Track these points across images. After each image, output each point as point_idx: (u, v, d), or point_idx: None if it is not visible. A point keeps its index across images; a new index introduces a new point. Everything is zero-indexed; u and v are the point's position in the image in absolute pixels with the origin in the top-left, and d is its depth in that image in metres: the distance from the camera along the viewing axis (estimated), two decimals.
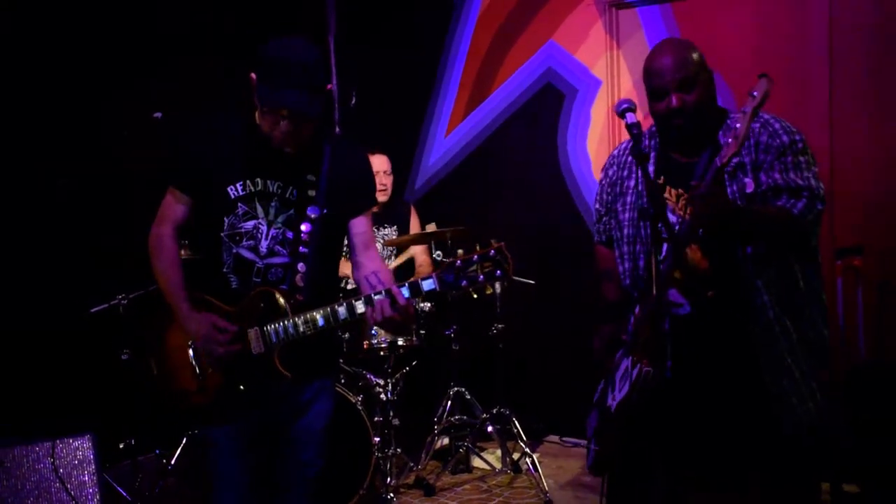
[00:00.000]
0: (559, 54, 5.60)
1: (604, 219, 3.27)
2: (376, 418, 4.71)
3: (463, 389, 5.17)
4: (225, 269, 2.87)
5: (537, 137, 5.76)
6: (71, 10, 4.83)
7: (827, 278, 4.50)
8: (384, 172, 5.36)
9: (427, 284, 2.68)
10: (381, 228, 5.37)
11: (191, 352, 2.89)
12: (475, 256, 2.68)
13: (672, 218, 2.91)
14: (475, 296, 2.78)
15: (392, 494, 4.64)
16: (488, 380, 5.29)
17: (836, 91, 4.70)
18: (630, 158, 3.14)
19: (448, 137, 6.13)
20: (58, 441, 4.27)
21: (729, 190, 2.83)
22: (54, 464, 4.26)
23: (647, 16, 5.29)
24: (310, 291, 2.83)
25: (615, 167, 3.21)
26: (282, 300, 2.79)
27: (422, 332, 4.83)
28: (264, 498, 3.00)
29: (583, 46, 5.51)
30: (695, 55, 2.91)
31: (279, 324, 2.77)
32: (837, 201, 4.71)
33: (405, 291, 2.69)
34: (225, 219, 2.85)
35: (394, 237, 5.36)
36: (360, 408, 4.49)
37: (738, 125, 2.66)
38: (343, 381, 4.66)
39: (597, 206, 3.31)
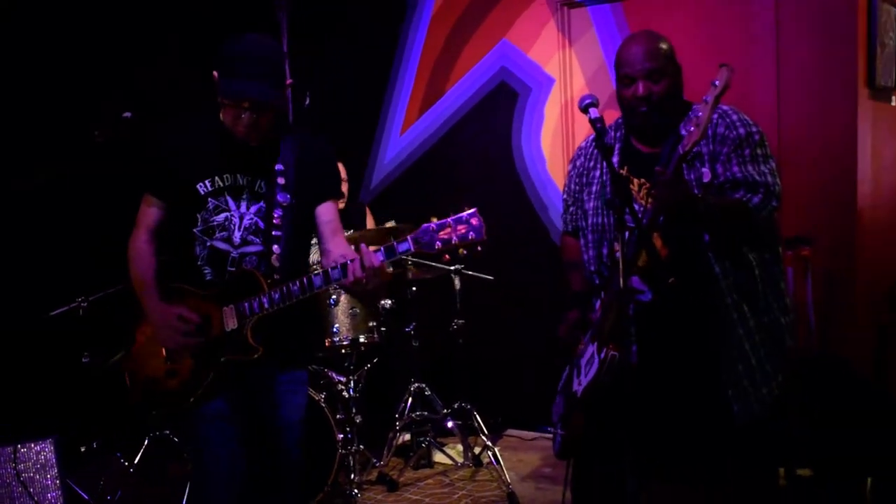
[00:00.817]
0: (513, 53, 5.67)
1: (570, 209, 3.35)
2: (339, 415, 4.74)
3: (423, 386, 5.21)
4: (199, 263, 2.98)
5: (492, 135, 5.83)
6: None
7: None
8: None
9: (402, 246, 2.73)
10: None
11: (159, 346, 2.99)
12: (450, 219, 2.74)
13: (635, 207, 2.92)
14: (447, 257, 2.85)
15: (356, 490, 4.67)
16: (449, 375, 5.35)
17: (783, 85, 4.82)
18: (592, 147, 3.26)
19: (403, 136, 6.17)
20: (20, 445, 4.25)
21: (686, 178, 2.91)
22: (16, 468, 4.23)
23: (597, 14, 5.37)
24: (285, 272, 2.95)
25: (582, 157, 3.29)
26: (260, 279, 2.90)
27: (382, 329, 4.88)
28: (245, 489, 3.04)
29: (536, 45, 5.59)
30: (665, 47, 3.02)
31: (255, 299, 2.88)
32: (785, 192, 4.81)
33: (380, 255, 2.75)
34: (197, 215, 2.96)
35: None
36: (323, 405, 4.52)
37: (700, 114, 2.74)
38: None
39: (564, 196, 3.40)
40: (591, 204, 3.19)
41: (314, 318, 4.56)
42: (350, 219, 5.41)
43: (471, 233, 2.74)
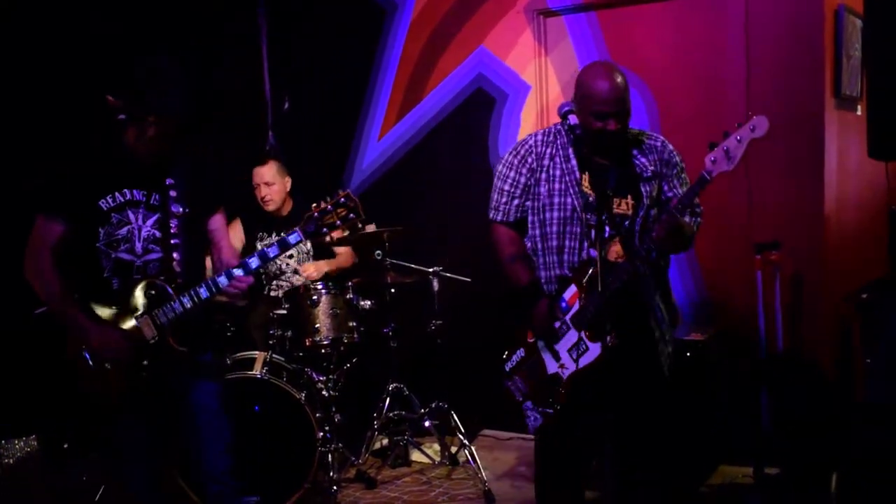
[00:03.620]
0: (490, 60, 5.78)
1: (515, 201, 3.54)
2: (318, 414, 4.82)
3: (402, 385, 5.30)
4: (106, 274, 3.19)
5: (469, 140, 5.92)
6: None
7: (746, 272, 4.82)
8: (265, 184, 5.39)
9: (293, 238, 3.17)
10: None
11: (86, 354, 3.15)
12: (329, 206, 3.17)
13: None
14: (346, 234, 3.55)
15: (335, 487, 4.75)
16: (427, 376, 5.43)
17: (753, 92, 4.95)
18: (549, 150, 3.49)
19: (381, 141, 6.26)
20: (3, 441, 4.30)
21: (644, 190, 3.40)
22: (1, 464, 4.28)
23: (573, 23, 5.49)
24: (186, 275, 3.22)
25: (533, 155, 3.49)
26: (165, 286, 3.16)
27: (362, 329, 4.96)
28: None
29: (513, 52, 5.69)
30: (625, 83, 3.33)
31: (167, 306, 3.13)
32: (756, 198, 4.98)
33: (275, 249, 3.20)
34: (100, 230, 3.16)
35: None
36: (303, 403, 4.59)
37: (656, 143, 3.48)
38: (285, 377, 4.75)
39: (505, 187, 3.55)
40: (556, 199, 3.43)
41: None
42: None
43: (350, 214, 3.20)
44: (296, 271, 5.42)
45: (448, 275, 5.22)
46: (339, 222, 3.16)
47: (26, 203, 3.19)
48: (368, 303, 5.04)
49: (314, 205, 3.20)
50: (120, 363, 3.10)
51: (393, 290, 5.27)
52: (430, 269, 5.17)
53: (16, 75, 4.76)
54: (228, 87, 6.48)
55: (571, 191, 3.37)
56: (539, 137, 3.53)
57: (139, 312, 3.13)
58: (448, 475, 5.12)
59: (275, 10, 6.41)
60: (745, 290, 4.84)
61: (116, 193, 3.16)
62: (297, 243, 3.19)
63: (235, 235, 5.44)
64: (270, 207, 5.36)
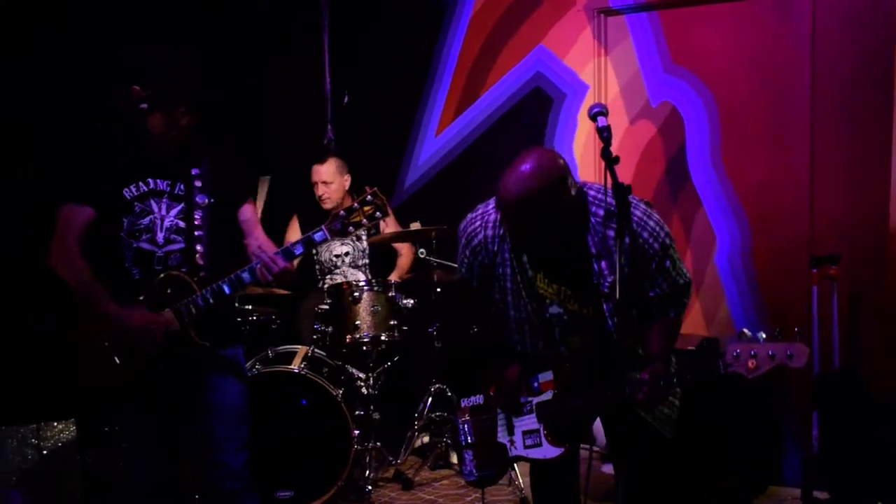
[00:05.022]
0: (548, 59, 5.67)
1: (474, 282, 3.16)
2: (357, 412, 4.79)
3: (444, 386, 5.24)
4: (127, 264, 3.15)
5: (525, 140, 5.81)
6: None
7: (802, 286, 4.63)
8: (322, 183, 5.37)
9: (318, 236, 3.12)
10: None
11: (107, 343, 3.11)
12: (355, 204, 3.12)
13: (554, 310, 3.01)
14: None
15: (370, 487, 4.71)
16: (469, 377, 5.34)
17: (818, 101, 4.78)
18: (501, 246, 3.03)
19: (438, 137, 6.20)
20: (42, 424, 4.36)
21: (605, 305, 2.92)
22: (38, 446, 4.34)
23: (634, 23, 5.36)
24: (210, 268, 3.17)
25: (485, 252, 3.07)
26: (187, 278, 3.12)
27: (404, 328, 4.91)
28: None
29: (571, 52, 5.58)
30: (543, 195, 2.76)
31: (189, 300, 3.10)
32: (817, 211, 4.80)
33: (299, 247, 3.12)
34: (124, 219, 3.14)
35: (363, 238, 5.43)
36: (340, 400, 4.56)
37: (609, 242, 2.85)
38: (325, 373, 4.74)
39: (465, 272, 3.18)
40: (511, 299, 3.05)
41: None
42: None
43: (377, 212, 3.14)
44: (352, 266, 5.41)
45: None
46: (365, 220, 3.11)
47: (51, 191, 3.19)
48: (411, 301, 4.98)
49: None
50: (142, 353, 3.07)
51: (439, 290, 5.21)
52: None
53: (37, 62, 4.79)
54: (289, 81, 6.52)
55: (524, 293, 3.00)
56: (489, 233, 3.04)
57: (161, 305, 3.10)
58: None
59: (337, 5, 6.39)
60: (801, 305, 4.66)
61: (140, 182, 3.14)
62: (322, 242, 3.15)
63: (293, 233, 5.46)
64: (328, 206, 5.34)
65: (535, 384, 3.07)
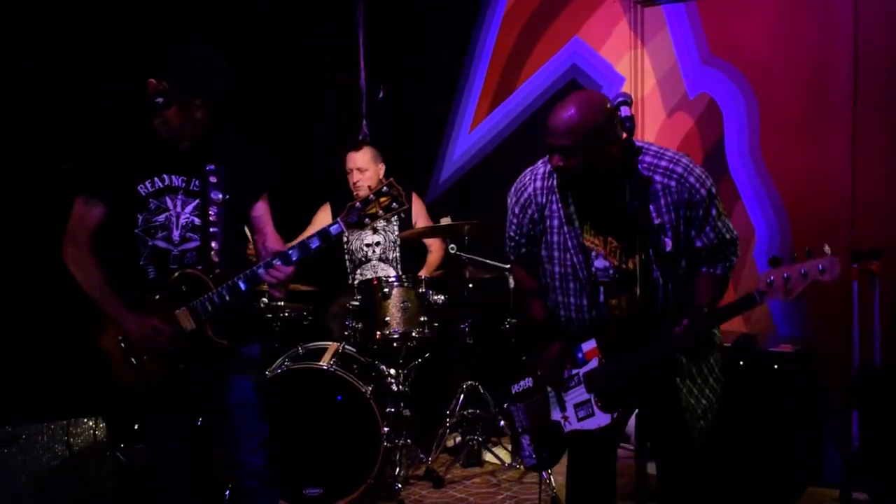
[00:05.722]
0: (584, 51, 5.59)
1: (523, 249, 3.26)
2: (388, 409, 4.75)
3: (477, 384, 5.18)
4: (142, 262, 3.13)
5: None
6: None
7: (843, 282, 4.49)
8: (357, 170, 5.33)
9: (334, 229, 3.05)
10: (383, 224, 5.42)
11: (122, 344, 3.10)
12: (371, 195, 3.05)
13: (600, 263, 3.07)
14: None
15: (400, 484, 4.67)
16: (500, 374, 5.28)
17: (860, 93, 4.64)
18: (550, 197, 3.13)
19: (473, 132, 6.15)
20: (72, 421, 4.38)
21: (651, 249, 2.95)
22: (69, 442, 4.37)
23: (672, 13, 5.25)
24: (225, 266, 3.13)
25: (534, 206, 3.16)
26: (203, 276, 3.07)
27: (435, 324, 4.86)
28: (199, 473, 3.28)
29: (607, 43, 5.50)
30: (587, 123, 2.89)
31: (205, 297, 3.05)
32: (858, 205, 4.66)
33: (315, 241, 3.06)
34: (138, 216, 3.10)
35: (395, 230, 5.39)
36: (369, 397, 4.52)
37: (670, 182, 2.94)
38: (356, 370, 4.70)
39: (513, 235, 3.27)
40: (556, 254, 3.13)
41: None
42: None
43: (393, 203, 3.06)
44: (382, 259, 5.37)
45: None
46: (381, 211, 3.05)
47: (65, 186, 3.18)
48: (441, 297, 4.92)
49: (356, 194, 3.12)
50: (156, 355, 3.06)
51: (471, 286, 5.15)
52: (507, 266, 5.02)
53: (53, 56, 4.79)
54: (325, 76, 6.51)
55: (570, 244, 3.07)
56: (538, 184, 3.15)
57: (177, 303, 3.07)
58: (519, 478, 4.97)
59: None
60: (841, 301, 4.52)
61: (155, 178, 3.10)
62: (339, 234, 3.07)
63: (324, 220, 5.42)
64: (362, 194, 5.28)
65: (580, 355, 3.11)
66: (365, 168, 5.31)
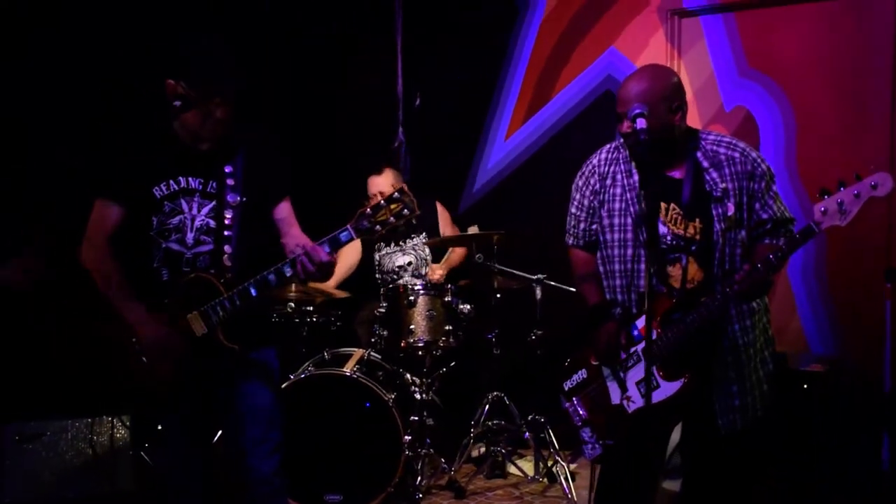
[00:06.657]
0: (619, 61, 5.54)
1: (582, 224, 3.39)
2: (411, 417, 4.72)
3: (502, 394, 5.14)
4: (156, 264, 3.12)
5: (596, 144, 5.57)
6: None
7: (876, 301, 4.40)
8: (381, 194, 5.28)
9: (344, 236, 2.99)
10: (411, 239, 5.39)
11: (137, 346, 3.09)
12: (381, 202, 3.01)
13: (662, 229, 3.14)
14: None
15: (420, 494, 4.64)
16: (526, 386, 5.24)
17: None
18: (612, 168, 3.30)
19: (508, 141, 6.11)
20: (96, 418, 4.43)
21: (714, 212, 3.08)
22: (92, 440, 4.41)
23: (709, 24, 5.19)
24: (238, 270, 3.08)
25: (596, 176, 3.34)
26: (214, 280, 3.04)
27: (460, 333, 4.83)
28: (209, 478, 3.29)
29: (644, 54, 5.44)
30: (656, 89, 3.04)
31: (216, 302, 3.03)
32: (895, 223, 4.56)
33: (325, 248, 2.98)
34: (153, 218, 3.09)
35: (425, 249, 5.37)
36: (391, 405, 4.50)
37: (734, 154, 3.10)
38: (381, 377, 4.69)
39: (575, 211, 3.42)
40: (617, 220, 3.24)
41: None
42: (419, 220, 5.38)
43: (404, 209, 3.00)
44: (415, 276, 5.34)
45: (552, 283, 4.99)
46: (392, 218, 3.00)
47: (83, 188, 3.19)
48: (468, 307, 4.89)
49: (366, 201, 3.08)
50: (167, 359, 3.07)
51: (498, 296, 5.11)
52: (534, 277, 4.97)
53: (71, 58, 4.82)
54: (362, 83, 6.52)
55: (631, 209, 3.17)
56: (603, 156, 3.37)
57: (188, 306, 3.07)
58: (542, 492, 4.91)
59: (410, 7, 6.35)
60: (874, 321, 4.42)
61: (171, 181, 3.09)
62: (349, 241, 3.02)
63: (353, 246, 5.41)
64: None
65: (635, 332, 3.18)
66: (387, 192, 5.29)
